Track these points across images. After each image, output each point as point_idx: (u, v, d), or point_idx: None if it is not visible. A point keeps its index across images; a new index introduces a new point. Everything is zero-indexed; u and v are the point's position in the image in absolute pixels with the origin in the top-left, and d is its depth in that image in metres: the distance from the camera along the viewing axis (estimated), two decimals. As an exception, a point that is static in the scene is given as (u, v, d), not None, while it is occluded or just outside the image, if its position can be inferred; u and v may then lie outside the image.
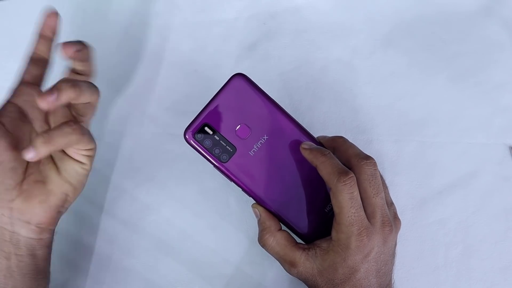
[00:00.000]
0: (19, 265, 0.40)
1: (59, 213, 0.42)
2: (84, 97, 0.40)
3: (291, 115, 0.44)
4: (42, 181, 0.41)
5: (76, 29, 0.57)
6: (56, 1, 0.58)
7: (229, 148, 0.42)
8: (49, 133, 0.37)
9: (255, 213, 0.44)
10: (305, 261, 0.41)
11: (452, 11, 0.55)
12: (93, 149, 0.42)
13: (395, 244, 0.42)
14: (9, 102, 0.41)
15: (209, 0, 0.57)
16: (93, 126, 0.53)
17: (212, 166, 0.43)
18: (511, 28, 0.54)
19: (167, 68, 0.55)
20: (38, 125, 0.42)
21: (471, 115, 0.52)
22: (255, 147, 0.43)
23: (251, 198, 0.43)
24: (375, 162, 0.41)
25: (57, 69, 0.46)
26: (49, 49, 0.44)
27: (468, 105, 0.53)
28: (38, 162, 0.41)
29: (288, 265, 0.42)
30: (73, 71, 0.44)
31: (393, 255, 0.42)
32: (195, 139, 0.42)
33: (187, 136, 0.42)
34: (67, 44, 0.41)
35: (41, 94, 0.36)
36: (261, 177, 0.43)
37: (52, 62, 0.44)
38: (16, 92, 0.42)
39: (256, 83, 0.43)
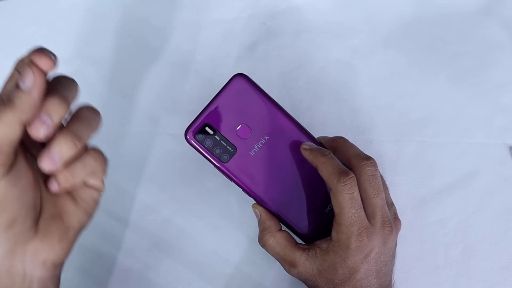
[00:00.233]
0: None
1: (75, 244, 0.38)
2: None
3: (291, 115, 0.44)
4: (59, 216, 0.36)
5: (76, 29, 0.56)
6: (55, 1, 0.58)
7: (230, 148, 0.42)
8: (70, 168, 0.33)
9: (255, 213, 0.44)
10: (305, 262, 0.41)
11: (452, 11, 0.55)
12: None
13: (395, 245, 0.42)
14: None
15: (209, 0, 0.57)
16: (93, 126, 0.53)
17: (213, 166, 0.43)
18: (511, 28, 0.54)
19: (167, 68, 0.55)
20: None
21: (471, 115, 0.52)
22: (255, 147, 0.43)
23: (251, 198, 0.43)
24: (376, 163, 0.41)
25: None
26: None
27: (468, 105, 0.53)
28: (53, 195, 0.36)
29: (288, 265, 0.42)
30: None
31: (393, 255, 0.42)
32: (195, 139, 0.42)
33: (188, 136, 0.42)
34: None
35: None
36: (262, 177, 0.43)
37: None
38: None
39: (257, 83, 0.43)
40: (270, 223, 0.43)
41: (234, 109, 0.42)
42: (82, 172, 0.34)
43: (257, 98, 0.43)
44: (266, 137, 0.43)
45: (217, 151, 0.42)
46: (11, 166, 0.31)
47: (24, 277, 0.34)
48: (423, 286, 0.49)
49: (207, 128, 0.42)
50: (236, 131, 0.42)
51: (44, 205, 0.35)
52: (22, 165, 0.33)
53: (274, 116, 0.43)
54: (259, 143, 0.43)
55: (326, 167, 0.40)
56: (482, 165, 0.51)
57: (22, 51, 0.56)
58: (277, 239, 0.42)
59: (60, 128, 0.32)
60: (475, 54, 0.54)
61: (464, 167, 0.51)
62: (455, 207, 0.50)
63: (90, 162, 0.34)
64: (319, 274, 0.40)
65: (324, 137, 0.45)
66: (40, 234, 0.34)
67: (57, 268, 0.37)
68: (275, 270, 0.49)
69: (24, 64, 0.30)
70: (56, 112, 0.31)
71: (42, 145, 0.33)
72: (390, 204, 0.44)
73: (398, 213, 0.44)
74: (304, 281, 0.42)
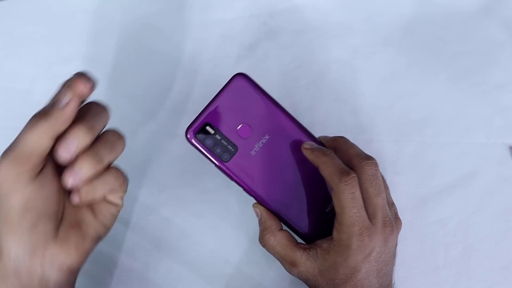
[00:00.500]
0: None
1: (90, 253, 0.40)
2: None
3: (292, 114, 0.44)
4: (78, 225, 0.38)
5: (76, 29, 0.56)
6: (55, 1, 0.58)
7: (231, 148, 0.42)
8: (92, 185, 0.36)
9: (256, 212, 0.44)
10: (306, 261, 0.41)
11: (452, 11, 0.55)
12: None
13: (396, 244, 0.42)
14: None
15: (209, 0, 0.57)
16: (93, 126, 0.53)
17: (213, 165, 0.43)
18: (511, 28, 0.54)
19: (167, 68, 0.55)
20: None
21: (471, 115, 0.52)
22: (256, 146, 0.43)
23: (252, 197, 0.43)
24: (377, 162, 0.41)
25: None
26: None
27: (468, 105, 0.53)
28: (75, 205, 0.38)
29: (289, 265, 0.42)
30: None
31: (394, 255, 0.42)
32: (196, 138, 0.42)
33: (188, 136, 0.42)
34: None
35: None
36: (262, 176, 0.43)
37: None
38: None
39: (258, 83, 0.43)
40: (271, 222, 0.43)
41: (234, 109, 0.42)
42: (102, 189, 0.37)
43: (257, 97, 0.43)
44: (267, 137, 0.43)
45: (218, 150, 0.42)
46: (39, 173, 0.34)
47: (41, 279, 0.36)
48: (423, 286, 0.49)
49: (207, 128, 0.42)
50: (236, 130, 0.42)
51: (65, 213, 0.38)
52: (49, 174, 0.35)
53: (275, 115, 0.43)
54: (260, 143, 0.43)
55: (327, 167, 0.40)
56: (482, 165, 0.51)
57: (22, 51, 0.57)
58: (278, 238, 0.42)
59: (86, 149, 0.35)
60: (475, 54, 0.54)
61: (464, 167, 0.51)
62: (455, 207, 0.50)
63: (110, 180, 0.37)
64: (320, 274, 0.40)
65: (325, 137, 0.45)
66: (59, 240, 0.36)
67: (73, 273, 0.38)
68: (275, 270, 0.49)
69: (66, 85, 0.34)
70: (81, 139, 0.34)
71: None
72: (391, 204, 0.44)
73: (398, 213, 0.44)
74: (305, 281, 0.42)
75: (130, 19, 0.57)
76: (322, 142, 0.44)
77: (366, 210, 0.39)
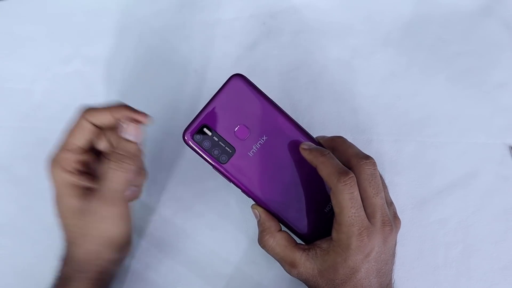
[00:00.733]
0: None
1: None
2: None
3: (291, 115, 0.44)
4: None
5: (76, 29, 0.57)
6: (55, 1, 0.58)
7: (228, 149, 0.42)
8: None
9: (254, 214, 0.44)
10: (306, 262, 0.41)
11: (452, 11, 0.55)
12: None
13: (395, 244, 0.42)
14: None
15: (209, 0, 0.57)
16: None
17: (211, 167, 0.43)
18: (511, 28, 0.54)
19: (167, 68, 0.55)
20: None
21: (471, 115, 0.52)
22: (254, 147, 0.43)
23: (250, 199, 0.43)
24: (375, 162, 0.41)
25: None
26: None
27: (468, 105, 0.53)
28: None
29: (288, 266, 0.42)
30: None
31: (393, 254, 0.42)
32: (193, 140, 0.42)
33: (185, 138, 0.42)
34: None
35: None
36: (261, 177, 0.43)
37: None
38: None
39: (255, 84, 0.43)
40: (270, 223, 0.43)
41: (232, 110, 0.42)
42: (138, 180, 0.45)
43: (255, 98, 0.42)
44: (264, 138, 0.43)
45: (216, 152, 0.42)
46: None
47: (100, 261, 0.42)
48: (423, 286, 0.48)
49: (205, 129, 0.42)
50: (234, 131, 0.42)
51: None
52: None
53: (272, 116, 0.43)
54: (258, 144, 0.43)
55: (325, 167, 0.40)
56: (482, 165, 0.51)
57: (22, 51, 0.57)
58: (277, 239, 0.42)
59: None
60: (475, 54, 0.54)
61: (464, 167, 0.51)
62: (455, 207, 0.50)
63: (141, 177, 0.46)
64: (320, 274, 0.40)
65: (323, 137, 0.45)
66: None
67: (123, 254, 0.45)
68: (275, 270, 0.49)
69: (123, 121, 0.41)
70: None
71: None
72: (390, 203, 0.44)
73: (398, 213, 0.44)
74: (305, 281, 0.42)
75: (130, 19, 0.57)
76: (320, 142, 0.44)
77: (365, 210, 0.39)
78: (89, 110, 0.41)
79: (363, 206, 0.39)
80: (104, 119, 0.41)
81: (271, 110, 0.43)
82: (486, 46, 0.54)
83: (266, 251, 0.43)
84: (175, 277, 0.49)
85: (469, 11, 0.55)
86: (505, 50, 0.54)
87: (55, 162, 0.41)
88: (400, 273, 0.49)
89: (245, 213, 0.50)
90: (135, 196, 0.46)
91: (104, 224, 0.41)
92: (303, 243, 0.43)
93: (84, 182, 0.42)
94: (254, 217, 0.44)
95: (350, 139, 0.44)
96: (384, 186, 0.44)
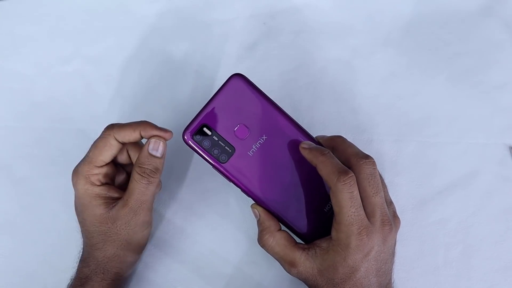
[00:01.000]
0: None
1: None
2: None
3: (291, 115, 0.44)
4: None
5: (76, 29, 0.57)
6: (55, 1, 0.58)
7: (228, 149, 0.42)
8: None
9: (254, 213, 0.44)
10: (305, 261, 0.41)
11: (452, 11, 0.55)
12: None
13: (395, 243, 0.42)
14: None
15: (209, 0, 0.57)
16: (92, 127, 0.53)
17: (211, 167, 0.43)
18: (511, 28, 0.54)
19: (167, 68, 0.55)
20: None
21: (471, 115, 0.52)
22: (254, 147, 0.43)
23: (250, 198, 0.43)
24: (374, 161, 0.41)
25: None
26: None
27: (468, 105, 0.53)
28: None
29: (288, 265, 0.42)
30: None
31: (393, 254, 0.42)
32: (193, 140, 0.42)
33: (185, 137, 0.42)
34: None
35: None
36: (260, 177, 0.43)
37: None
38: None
39: (254, 83, 0.43)
40: (270, 223, 0.43)
41: (231, 109, 0.42)
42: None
43: (254, 98, 0.42)
44: (264, 137, 0.43)
45: (215, 151, 0.42)
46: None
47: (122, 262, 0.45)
48: (423, 286, 0.48)
49: (204, 129, 0.42)
50: (234, 131, 0.42)
51: None
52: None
53: (272, 115, 0.43)
54: (257, 143, 0.43)
55: (325, 166, 0.40)
56: (482, 165, 0.51)
57: (22, 51, 0.57)
58: (277, 239, 0.42)
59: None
60: (475, 54, 0.54)
61: (464, 167, 0.51)
62: (455, 207, 0.50)
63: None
64: (319, 274, 0.40)
65: (323, 136, 0.45)
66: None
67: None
68: (275, 270, 0.49)
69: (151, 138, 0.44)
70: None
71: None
72: (389, 203, 0.44)
73: (398, 213, 0.44)
74: (304, 280, 0.42)
75: (130, 19, 0.57)
76: (320, 142, 0.44)
77: (365, 209, 0.39)
78: (116, 128, 0.44)
79: (363, 205, 0.39)
80: (129, 136, 0.44)
81: (271, 109, 0.43)
82: (486, 46, 0.54)
83: (266, 251, 0.43)
84: (175, 277, 0.49)
85: (469, 11, 0.55)
86: (505, 50, 0.54)
87: (81, 175, 0.44)
88: (400, 273, 0.48)
89: (245, 213, 0.50)
90: None
91: (128, 231, 0.44)
92: (302, 242, 0.43)
93: (110, 193, 0.44)
94: (254, 216, 0.44)
95: (350, 139, 0.44)
96: (384, 186, 0.44)
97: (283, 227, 0.43)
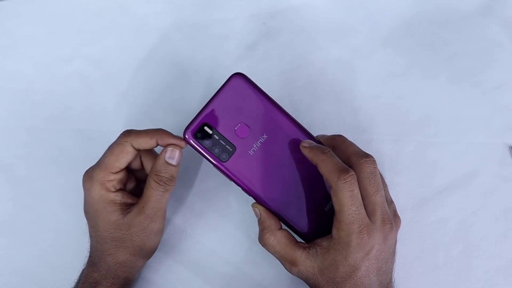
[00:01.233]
0: None
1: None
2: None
3: (291, 114, 0.44)
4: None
5: (76, 29, 0.57)
6: (55, 1, 0.58)
7: (229, 148, 0.42)
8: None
9: (255, 212, 0.44)
10: (306, 260, 0.41)
11: (452, 11, 0.55)
12: None
13: (395, 242, 0.42)
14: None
15: (209, 0, 0.57)
16: (92, 127, 0.53)
17: (212, 165, 0.43)
18: (511, 28, 0.54)
19: (167, 68, 0.55)
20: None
21: (471, 115, 0.52)
22: (254, 146, 0.43)
23: (251, 197, 0.43)
24: (375, 160, 0.41)
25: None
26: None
27: (468, 105, 0.53)
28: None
29: (289, 264, 0.42)
30: None
31: (393, 253, 0.42)
32: (194, 138, 0.42)
33: (186, 136, 0.42)
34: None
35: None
36: (261, 176, 0.43)
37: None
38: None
39: (255, 82, 0.43)
40: (270, 222, 0.43)
41: (232, 108, 0.42)
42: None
43: (255, 97, 0.43)
44: (265, 136, 0.43)
45: (216, 150, 0.42)
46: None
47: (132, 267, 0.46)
48: (423, 286, 0.48)
49: (205, 128, 0.42)
50: (234, 130, 0.42)
51: None
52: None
53: (273, 114, 0.43)
54: (258, 142, 0.43)
55: (326, 165, 0.40)
56: (482, 165, 0.51)
57: (22, 51, 0.57)
58: (277, 238, 0.42)
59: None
60: (475, 54, 0.54)
61: (464, 167, 0.51)
62: (455, 207, 0.50)
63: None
64: (320, 273, 0.40)
65: (323, 136, 0.45)
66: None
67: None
68: (275, 270, 0.49)
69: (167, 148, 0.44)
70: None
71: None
72: (390, 201, 0.44)
73: (398, 213, 0.44)
74: (305, 279, 0.42)
75: (130, 19, 0.57)
76: (320, 141, 0.44)
77: (365, 208, 0.39)
78: (133, 135, 0.44)
79: (363, 204, 0.39)
80: (146, 144, 0.44)
81: (271, 108, 0.43)
82: (486, 46, 0.54)
83: (267, 250, 0.43)
84: (175, 277, 0.49)
85: (469, 11, 0.55)
86: (505, 50, 0.54)
87: (96, 181, 0.43)
88: (400, 273, 0.49)
89: (245, 212, 0.50)
90: None
91: (143, 237, 0.44)
92: (303, 241, 0.43)
93: (124, 199, 0.45)
94: (255, 215, 0.44)
95: (350, 139, 0.44)
96: (384, 185, 0.44)
97: (283, 226, 0.43)
